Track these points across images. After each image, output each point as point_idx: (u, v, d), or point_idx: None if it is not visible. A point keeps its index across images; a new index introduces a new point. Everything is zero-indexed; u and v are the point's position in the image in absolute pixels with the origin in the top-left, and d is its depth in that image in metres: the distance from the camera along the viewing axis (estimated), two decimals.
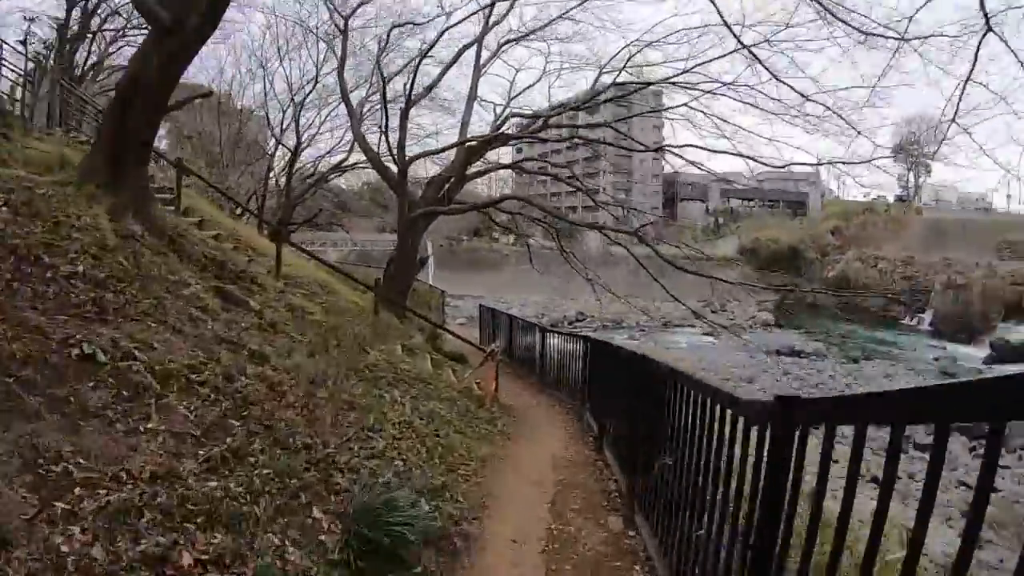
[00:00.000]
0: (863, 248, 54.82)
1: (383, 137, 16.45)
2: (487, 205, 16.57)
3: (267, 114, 29.44)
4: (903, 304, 45.75)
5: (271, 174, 30.22)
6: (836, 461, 2.43)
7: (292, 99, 27.83)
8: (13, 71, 15.60)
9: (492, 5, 16.67)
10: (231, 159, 30.86)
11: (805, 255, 55.85)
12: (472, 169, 16.62)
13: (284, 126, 28.53)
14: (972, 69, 6.87)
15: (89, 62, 26.34)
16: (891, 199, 63.22)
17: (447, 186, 16.02)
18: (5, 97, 14.97)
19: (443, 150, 16.85)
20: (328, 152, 30.46)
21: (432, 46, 17.55)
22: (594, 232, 18.52)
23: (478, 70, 16.82)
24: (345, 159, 29.10)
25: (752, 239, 56.95)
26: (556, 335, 13.94)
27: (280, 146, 29.37)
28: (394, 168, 16.39)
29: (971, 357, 41.80)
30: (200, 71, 38.73)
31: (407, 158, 16.10)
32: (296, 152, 28.15)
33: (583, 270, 17.78)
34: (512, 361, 16.80)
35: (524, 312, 46.57)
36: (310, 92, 27.32)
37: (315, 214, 30.05)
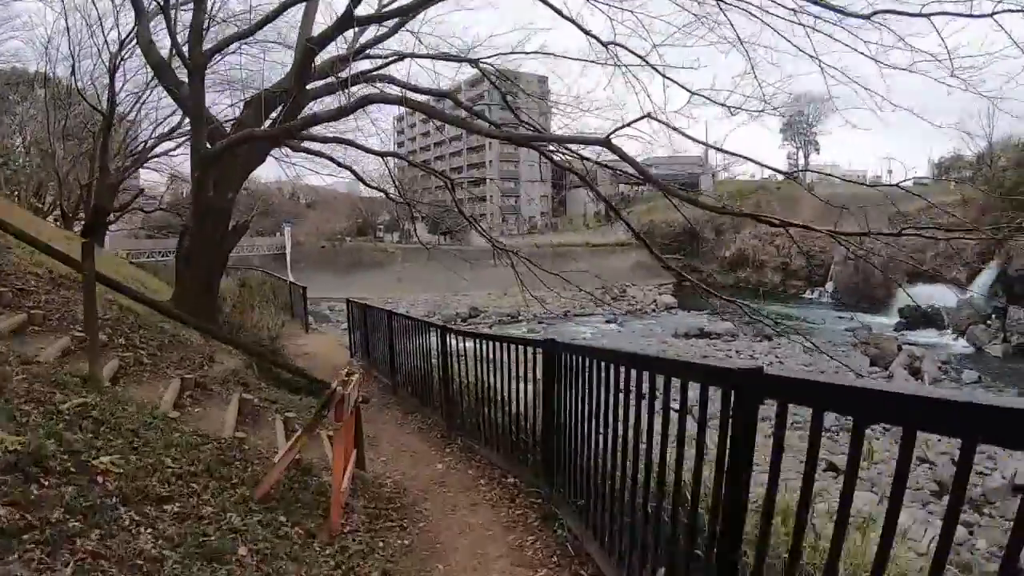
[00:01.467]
0: (759, 226, 51.34)
1: (167, 26, 9.29)
2: (342, 113, 9.30)
3: (75, 81, 21.31)
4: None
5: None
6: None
7: (111, 53, 19.94)
8: None
9: None
10: (62, 146, 23.25)
11: (702, 235, 51.99)
12: (316, 84, 9.82)
13: (111, 96, 20.58)
14: None
15: None
16: (780, 177, 60.60)
17: (282, 109, 9.25)
18: None
19: (259, 26, 9.75)
20: (159, 125, 22.69)
21: None
22: (482, 226, 12.37)
23: None
24: (178, 126, 21.56)
25: (647, 222, 52.90)
26: (472, 340, 7.32)
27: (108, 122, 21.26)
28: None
29: (882, 325, 38.82)
30: (28, 44, 30.51)
31: (203, 52, 9.10)
32: (111, 119, 20.29)
33: (498, 243, 11.71)
34: (396, 385, 10.18)
35: (415, 311, 40.68)
36: (129, 36, 19.37)
37: (135, 196, 22.45)
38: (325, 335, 17.65)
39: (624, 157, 7.97)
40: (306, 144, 12.11)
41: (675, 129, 7.98)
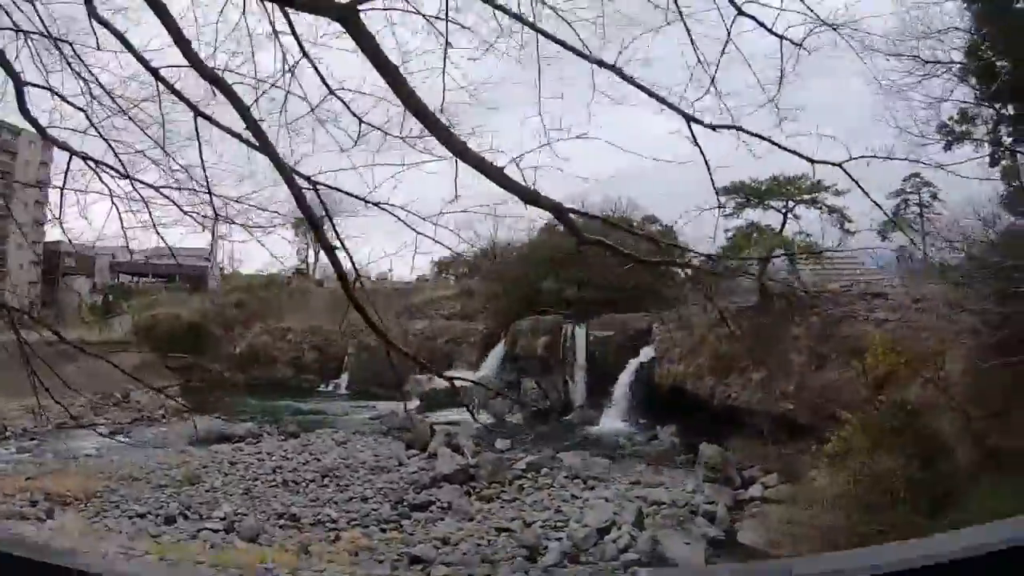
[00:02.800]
0: (269, 321, 46.66)
1: None
2: None
3: None
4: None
5: None
6: None
7: None
8: None
9: None
10: None
11: (210, 331, 44.96)
12: None
13: None
14: None
15: None
16: (290, 272, 56.92)
17: None
18: None
19: None
20: None
21: None
22: None
23: None
24: None
25: (149, 317, 43.83)
26: None
27: None
28: None
29: (400, 409, 36.97)
30: None
31: None
32: None
33: None
34: None
35: None
36: None
37: None
38: None
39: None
40: None
41: None
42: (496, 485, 23.67)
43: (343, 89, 4.78)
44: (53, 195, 6.65)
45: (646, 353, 32.65)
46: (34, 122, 6.03)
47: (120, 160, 5.62)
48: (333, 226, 5.23)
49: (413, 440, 29.01)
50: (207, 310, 45.49)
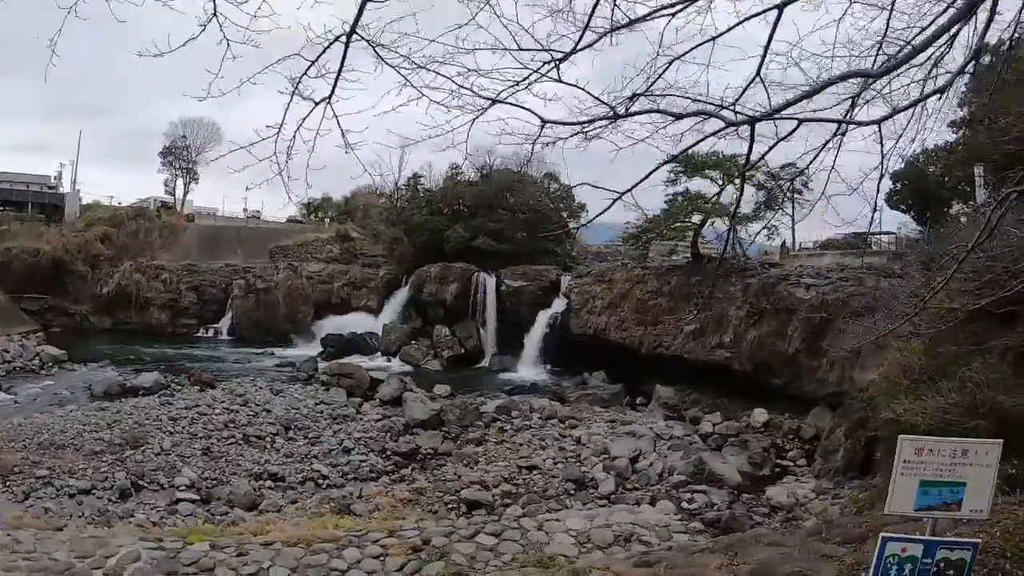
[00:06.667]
0: (139, 258, 38.85)
1: None
2: None
3: None
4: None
5: None
6: None
7: None
8: None
9: None
10: None
11: (73, 268, 36.43)
12: None
13: None
14: None
15: None
16: (160, 204, 47.21)
17: None
18: None
19: None
20: None
21: None
22: None
23: None
24: None
25: (1, 251, 34.46)
26: None
27: None
28: None
29: (306, 356, 33.16)
30: None
31: None
32: None
33: None
34: None
35: None
36: None
37: None
38: None
39: None
40: None
41: None
42: (472, 429, 22.25)
43: None
44: None
45: (558, 304, 32.32)
46: None
47: None
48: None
49: (354, 387, 26.10)
50: (69, 244, 36.49)
